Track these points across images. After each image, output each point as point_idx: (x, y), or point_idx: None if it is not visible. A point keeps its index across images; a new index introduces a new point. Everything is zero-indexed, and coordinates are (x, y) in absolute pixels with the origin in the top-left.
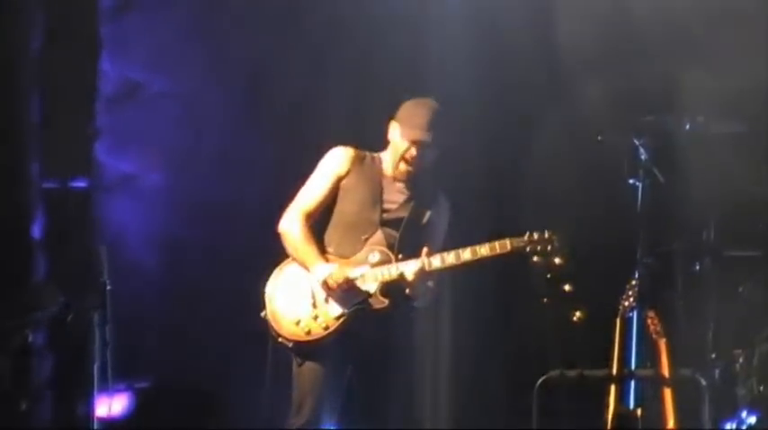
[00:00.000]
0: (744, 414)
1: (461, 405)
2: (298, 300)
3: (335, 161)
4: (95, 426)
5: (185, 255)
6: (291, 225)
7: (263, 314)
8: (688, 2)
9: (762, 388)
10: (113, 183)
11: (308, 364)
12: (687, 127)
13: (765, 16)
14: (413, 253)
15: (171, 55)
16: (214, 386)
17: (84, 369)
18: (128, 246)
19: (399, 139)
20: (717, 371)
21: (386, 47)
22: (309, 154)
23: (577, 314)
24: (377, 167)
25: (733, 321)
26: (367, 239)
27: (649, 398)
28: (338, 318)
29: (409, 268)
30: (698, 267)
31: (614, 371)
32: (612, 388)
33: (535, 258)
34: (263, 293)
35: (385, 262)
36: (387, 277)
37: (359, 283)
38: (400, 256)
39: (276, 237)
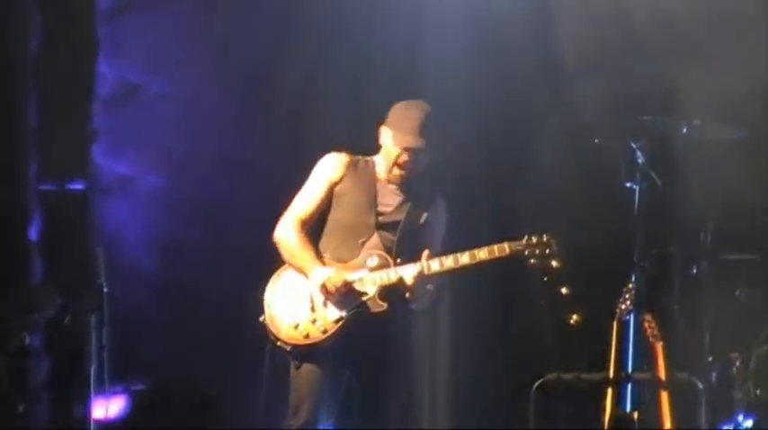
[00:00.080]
0: (740, 417)
1: (459, 407)
2: (296, 304)
3: (328, 167)
4: (92, 429)
5: (182, 257)
6: (287, 232)
7: (261, 319)
8: (687, 5)
9: (758, 391)
10: (111, 186)
11: (306, 367)
12: (684, 130)
13: (764, 19)
14: (411, 255)
15: (168, 57)
16: (211, 388)
17: (80, 371)
18: (125, 249)
19: (391, 145)
20: (714, 375)
21: (385, 50)
22: (308, 156)
23: (574, 317)
24: (370, 171)
25: (730, 324)
26: (364, 243)
27: (646, 401)
28: (337, 321)
29: (408, 272)
30: (695, 270)
31: (611, 374)
32: (609, 391)
33: (532, 261)
34: (261, 298)
35: (383, 266)
36: (385, 281)
37: (357, 287)
38: (398, 260)
39: (272, 242)
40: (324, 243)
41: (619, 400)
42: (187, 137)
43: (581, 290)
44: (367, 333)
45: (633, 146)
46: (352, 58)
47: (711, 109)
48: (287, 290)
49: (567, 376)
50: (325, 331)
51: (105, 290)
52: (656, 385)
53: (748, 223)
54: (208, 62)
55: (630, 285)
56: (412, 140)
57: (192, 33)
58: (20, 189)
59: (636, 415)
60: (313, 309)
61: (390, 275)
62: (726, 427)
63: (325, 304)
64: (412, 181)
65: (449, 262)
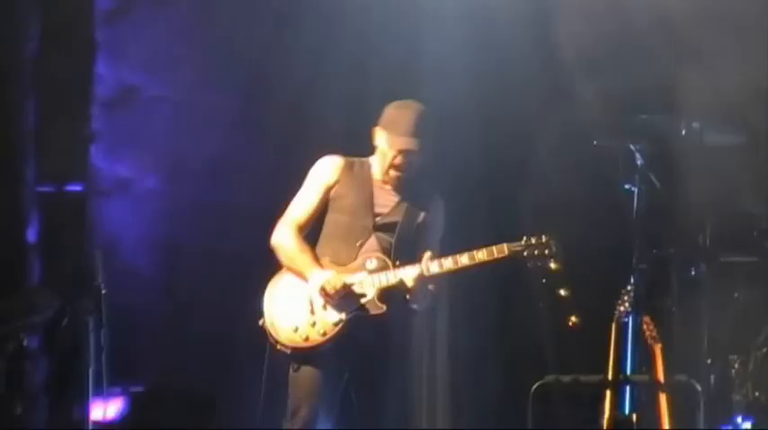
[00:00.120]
0: (739, 419)
1: (458, 409)
2: (295, 307)
3: (323, 171)
4: None
5: (180, 259)
6: (284, 237)
7: (261, 322)
8: (687, 7)
9: (757, 393)
10: (109, 187)
11: (305, 369)
12: (683, 133)
13: (765, 23)
14: (410, 256)
15: (167, 59)
16: (209, 390)
17: (79, 372)
18: (123, 250)
19: (386, 147)
20: (712, 377)
21: (383, 51)
22: (307, 158)
23: (573, 319)
24: (366, 173)
25: (728, 326)
26: (361, 245)
27: (645, 403)
28: (336, 324)
29: (408, 274)
30: (693, 273)
31: (610, 376)
32: (608, 393)
33: (531, 264)
34: (260, 302)
35: (382, 268)
36: (385, 283)
37: (356, 289)
38: (397, 262)
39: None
40: (322, 246)
41: (617, 402)
42: (185, 139)
43: (580, 292)
44: (366, 335)
45: (632, 148)
46: (351, 58)
47: (710, 111)
48: (286, 293)
49: (566, 378)
50: (324, 334)
51: (103, 291)
52: (654, 387)
53: (746, 225)
54: (206, 64)
55: (629, 287)
56: (406, 142)
57: (191, 35)
58: (18, 190)
59: (634, 417)
60: (312, 312)
61: (390, 278)
62: (724, 429)
63: (324, 307)
64: (408, 181)
65: (448, 263)
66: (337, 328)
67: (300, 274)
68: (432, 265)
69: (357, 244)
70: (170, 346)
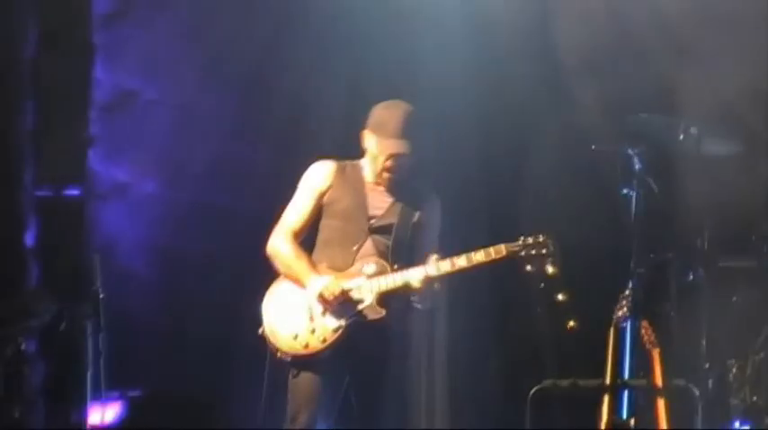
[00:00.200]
0: (737, 424)
1: (456, 413)
2: (294, 314)
3: (315, 176)
4: None
5: (178, 263)
6: (280, 245)
7: (260, 331)
8: (685, 12)
9: (755, 398)
10: (107, 192)
11: (305, 376)
12: (681, 137)
13: (763, 27)
14: (407, 258)
15: (165, 63)
16: (207, 394)
17: (77, 376)
18: (121, 254)
19: (376, 151)
20: (710, 381)
21: (382, 54)
22: (304, 162)
23: (571, 324)
24: (358, 175)
25: (726, 331)
26: (358, 250)
27: (643, 408)
28: (336, 330)
29: (414, 276)
30: (692, 277)
31: (608, 380)
32: (606, 397)
33: (529, 267)
34: (259, 309)
35: (381, 272)
36: (384, 288)
37: (355, 295)
38: (395, 266)
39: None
40: (318, 252)
41: (616, 407)
42: (183, 143)
43: (578, 296)
44: (366, 340)
45: (630, 152)
46: (349, 62)
47: (709, 116)
48: (284, 301)
49: (564, 382)
50: (324, 340)
51: (101, 295)
52: (652, 392)
53: (745, 230)
54: (203, 68)
55: (627, 292)
56: (395, 145)
57: (188, 39)
58: (16, 195)
59: (632, 421)
60: (312, 319)
61: (388, 282)
62: None
63: (323, 313)
64: (401, 181)
65: (445, 265)
66: (337, 334)
67: (298, 281)
68: (429, 268)
69: (353, 248)
70: (168, 351)
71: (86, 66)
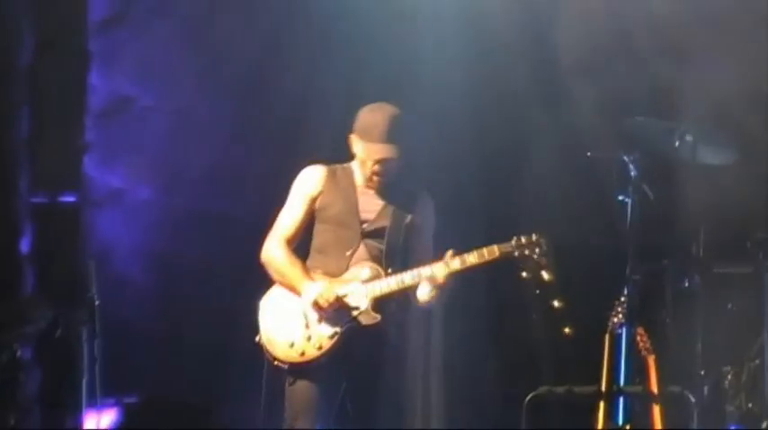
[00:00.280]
0: None
1: (452, 420)
2: (290, 322)
3: (307, 182)
4: None
5: (174, 269)
6: (273, 252)
7: (257, 339)
8: (684, 16)
9: (750, 404)
10: (102, 198)
11: (301, 383)
12: (676, 144)
13: (761, 32)
14: (401, 261)
15: (160, 69)
16: (203, 401)
17: (72, 383)
18: (116, 261)
19: (363, 155)
20: (706, 388)
21: (378, 59)
22: (301, 167)
23: (567, 330)
24: (349, 179)
25: (722, 338)
26: (352, 255)
27: (638, 414)
28: (331, 337)
29: (437, 273)
30: (687, 284)
31: (603, 387)
32: (601, 404)
33: (525, 274)
34: (257, 317)
35: (375, 277)
36: (378, 293)
37: (350, 301)
38: (389, 271)
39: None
40: (312, 259)
41: (611, 414)
42: (178, 149)
43: (573, 303)
44: (361, 345)
45: (625, 159)
46: (345, 67)
47: (705, 124)
48: (279, 309)
49: (560, 389)
50: (320, 347)
51: (97, 302)
52: (648, 398)
53: (740, 236)
54: (199, 74)
55: (623, 298)
56: (382, 150)
57: (184, 46)
58: (11, 201)
59: (628, 428)
60: (307, 326)
61: (383, 286)
62: None
63: (319, 320)
64: (391, 184)
65: (439, 269)
66: (332, 341)
67: (293, 289)
68: (423, 270)
69: (347, 253)
70: (164, 357)
71: (82, 72)
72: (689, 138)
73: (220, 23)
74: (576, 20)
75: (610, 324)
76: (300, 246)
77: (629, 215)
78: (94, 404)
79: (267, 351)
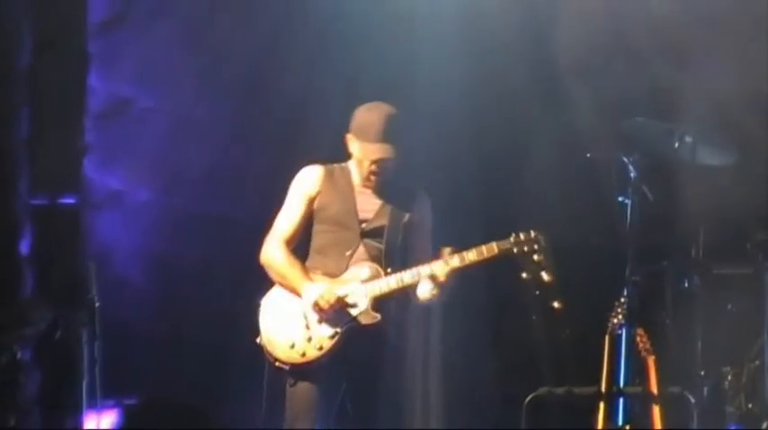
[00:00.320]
0: None
1: (451, 421)
2: (290, 323)
3: (305, 182)
4: None
5: (174, 271)
6: (273, 253)
7: (258, 340)
8: (682, 18)
9: (750, 405)
10: (102, 200)
11: (302, 384)
12: (676, 145)
13: (759, 35)
14: (400, 260)
15: (160, 70)
16: (203, 402)
17: (72, 385)
18: (116, 263)
19: (360, 155)
20: (706, 389)
21: (377, 59)
22: (300, 168)
23: (566, 331)
24: (346, 179)
25: (722, 338)
26: (351, 255)
27: (638, 415)
28: (332, 337)
29: (438, 271)
30: (687, 285)
31: (603, 388)
32: (601, 405)
33: (525, 275)
34: (257, 318)
35: (374, 277)
36: (378, 292)
37: (350, 301)
38: (389, 270)
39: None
40: (312, 260)
41: (611, 415)
42: (178, 150)
43: (573, 304)
44: (362, 345)
45: (625, 160)
46: (344, 68)
47: (704, 125)
48: (279, 310)
49: (559, 390)
50: (321, 348)
51: (97, 303)
52: (647, 399)
53: (740, 237)
54: (198, 76)
55: (622, 299)
56: (379, 151)
57: (183, 47)
58: (11, 203)
59: (628, 429)
60: (307, 328)
61: (382, 285)
62: None
63: (319, 321)
64: (388, 182)
65: (438, 266)
66: (333, 341)
67: (293, 290)
68: (423, 269)
69: (347, 254)
70: (164, 358)
71: (81, 73)
72: (688, 139)
73: (220, 25)
74: (575, 20)
75: (609, 325)
76: (298, 246)
77: (628, 216)
78: (94, 405)
79: (268, 352)
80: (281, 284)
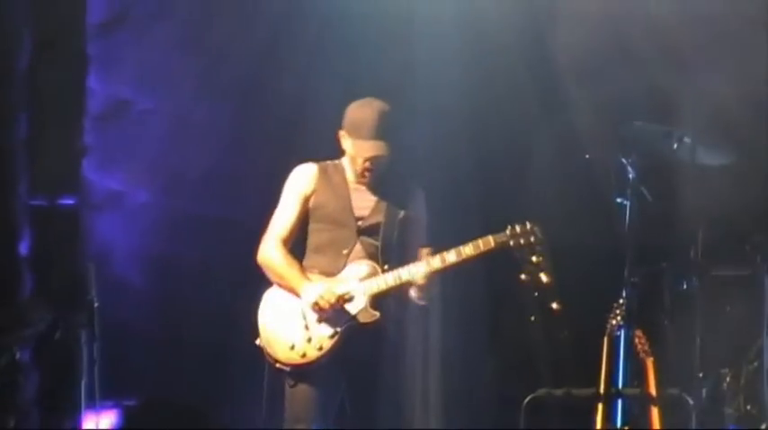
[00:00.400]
0: None
1: (450, 422)
2: (289, 324)
3: (299, 181)
4: None
5: (173, 271)
6: (270, 253)
7: (257, 342)
8: (680, 21)
9: (749, 407)
10: (101, 201)
11: (302, 384)
12: (675, 147)
13: (761, 34)
14: (397, 257)
15: (158, 72)
16: (202, 403)
17: (71, 386)
18: (115, 264)
19: (353, 152)
20: (704, 391)
21: (376, 61)
22: None
23: (565, 332)
24: (341, 176)
25: (720, 340)
26: (348, 253)
27: (637, 417)
28: (332, 337)
29: (418, 272)
30: (685, 286)
31: (602, 389)
32: (600, 407)
33: (523, 276)
34: (256, 319)
35: (372, 274)
36: (376, 290)
37: (348, 299)
38: (386, 267)
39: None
40: (309, 259)
41: (609, 416)
42: (177, 152)
43: (571, 305)
44: (361, 343)
45: (624, 161)
46: (343, 70)
47: (703, 126)
48: (278, 310)
49: (558, 392)
50: (321, 348)
51: (96, 304)
52: (646, 401)
53: (739, 239)
54: (197, 77)
55: (621, 301)
56: (372, 148)
57: (182, 49)
58: (10, 204)
59: None
60: (307, 328)
61: (380, 283)
62: None
63: (318, 321)
64: (382, 179)
65: (436, 262)
66: (333, 341)
67: (291, 290)
68: (420, 266)
69: (344, 252)
70: (163, 359)
71: (80, 75)
72: (687, 140)
73: (219, 27)
74: (573, 21)
75: (608, 326)
76: (294, 245)
77: (627, 217)
78: (93, 406)
79: (268, 354)
80: (279, 284)
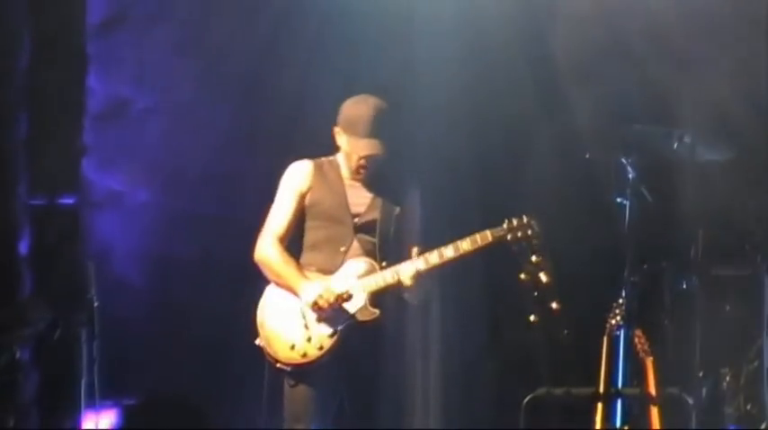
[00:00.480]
0: None
1: (449, 421)
2: (289, 323)
3: (295, 178)
4: None
5: (173, 271)
6: (267, 251)
7: (257, 341)
8: (679, 21)
9: (749, 406)
10: (101, 200)
11: (302, 384)
12: (675, 146)
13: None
14: (395, 253)
15: (158, 72)
16: (202, 403)
17: (71, 385)
18: (115, 263)
19: (348, 149)
20: (704, 390)
21: (375, 59)
22: None
23: (564, 332)
24: (336, 173)
25: (720, 340)
26: (346, 250)
27: (636, 416)
28: (331, 336)
29: (405, 272)
30: (685, 286)
31: (601, 389)
32: (599, 406)
33: (522, 276)
34: (255, 318)
35: (370, 271)
36: (374, 287)
37: (347, 297)
38: (384, 264)
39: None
40: (306, 256)
41: (609, 416)
42: (177, 151)
43: (571, 305)
44: (361, 342)
45: (623, 161)
46: (343, 69)
47: (703, 126)
48: (278, 310)
49: (558, 391)
50: (321, 348)
51: (96, 303)
52: (646, 400)
53: (738, 239)
54: (197, 77)
55: (621, 300)
56: (366, 146)
57: (182, 48)
58: (10, 203)
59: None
60: (306, 327)
61: (378, 281)
62: None
63: (318, 320)
64: (377, 174)
65: (434, 258)
66: (333, 340)
67: (289, 289)
68: (417, 263)
69: (341, 249)
70: (163, 359)
71: (80, 75)
72: (687, 139)
73: (218, 27)
74: (572, 19)
75: (608, 326)
76: (290, 243)
77: (627, 217)
78: (93, 405)
79: (268, 354)
80: (277, 283)
